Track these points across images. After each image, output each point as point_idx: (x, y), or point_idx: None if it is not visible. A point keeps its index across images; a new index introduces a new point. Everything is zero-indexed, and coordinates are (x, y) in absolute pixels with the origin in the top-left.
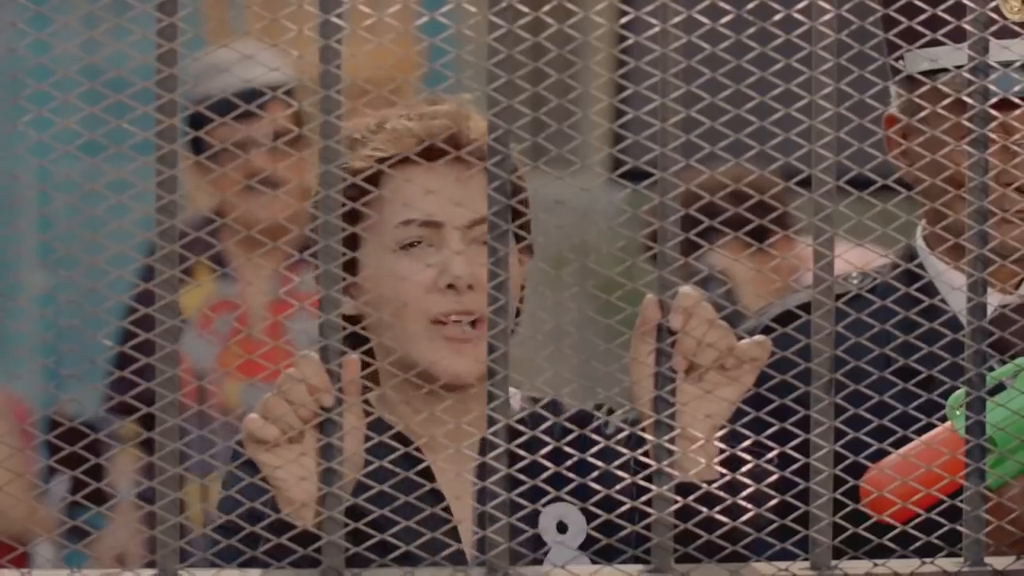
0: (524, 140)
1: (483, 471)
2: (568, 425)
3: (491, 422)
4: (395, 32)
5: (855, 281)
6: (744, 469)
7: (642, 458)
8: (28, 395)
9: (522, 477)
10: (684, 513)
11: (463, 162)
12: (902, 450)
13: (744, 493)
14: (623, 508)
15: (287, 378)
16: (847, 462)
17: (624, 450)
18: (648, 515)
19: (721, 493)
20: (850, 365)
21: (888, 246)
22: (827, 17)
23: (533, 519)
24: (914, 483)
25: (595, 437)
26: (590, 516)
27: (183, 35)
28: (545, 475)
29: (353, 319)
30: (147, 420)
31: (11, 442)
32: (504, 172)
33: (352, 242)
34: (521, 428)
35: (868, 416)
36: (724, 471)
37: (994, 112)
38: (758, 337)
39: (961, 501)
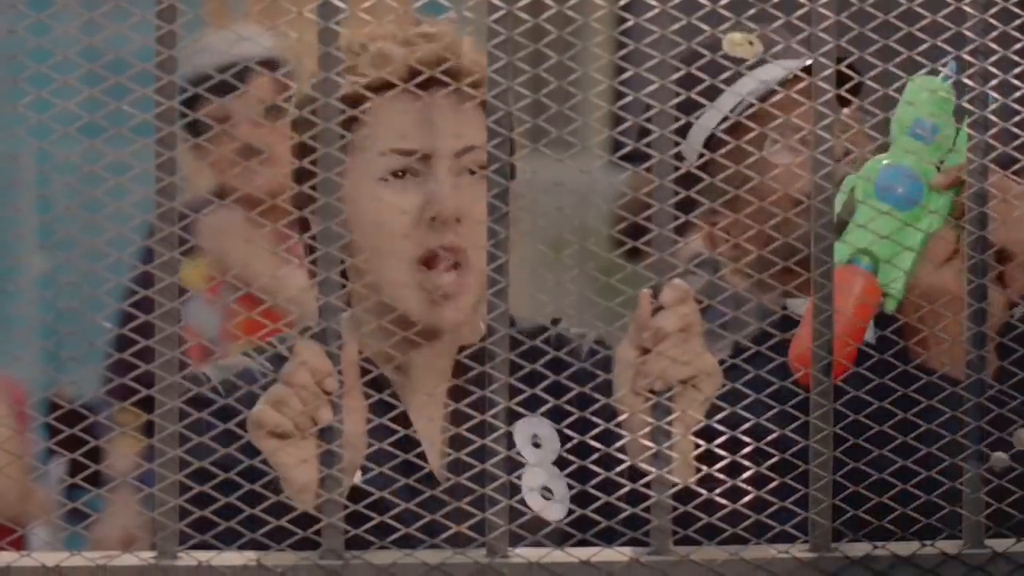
0: (524, 122)
1: (456, 395)
2: (543, 346)
3: (491, 380)
4: (394, 13)
5: None
6: (720, 465)
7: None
8: (27, 377)
9: (496, 398)
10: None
11: (454, 90)
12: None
13: (728, 484)
14: (597, 429)
15: (291, 365)
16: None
17: (600, 372)
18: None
19: (700, 489)
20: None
21: None
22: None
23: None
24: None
25: (568, 359)
26: (566, 432)
27: (182, 16)
28: (524, 396)
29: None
30: (147, 403)
31: (9, 424)
32: (504, 155)
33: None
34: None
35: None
36: (701, 467)
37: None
38: (675, 280)
39: (961, 483)
